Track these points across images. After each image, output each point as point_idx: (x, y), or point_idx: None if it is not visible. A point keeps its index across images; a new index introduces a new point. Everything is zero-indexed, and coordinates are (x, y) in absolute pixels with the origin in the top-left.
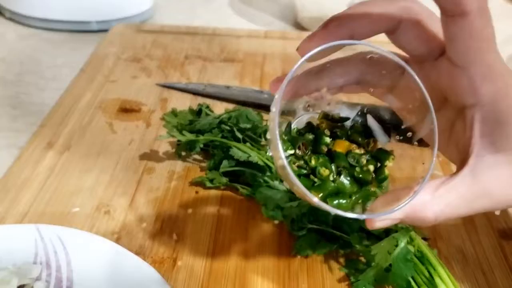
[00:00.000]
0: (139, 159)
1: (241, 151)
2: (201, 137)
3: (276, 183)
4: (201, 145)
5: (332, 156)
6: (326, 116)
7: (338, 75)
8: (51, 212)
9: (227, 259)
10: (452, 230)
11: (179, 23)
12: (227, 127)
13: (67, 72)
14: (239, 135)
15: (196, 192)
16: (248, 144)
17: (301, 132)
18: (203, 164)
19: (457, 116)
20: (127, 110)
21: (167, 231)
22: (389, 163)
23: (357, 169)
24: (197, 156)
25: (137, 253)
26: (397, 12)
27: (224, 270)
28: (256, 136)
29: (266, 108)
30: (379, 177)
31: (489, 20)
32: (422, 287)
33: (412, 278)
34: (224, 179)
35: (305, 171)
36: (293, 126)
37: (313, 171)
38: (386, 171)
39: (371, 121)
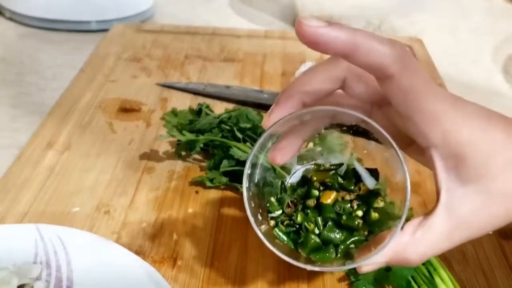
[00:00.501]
0: (139, 158)
1: (241, 151)
2: (201, 137)
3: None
4: (201, 145)
5: (320, 208)
6: (318, 168)
7: (316, 125)
8: (51, 212)
9: (227, 259)
10: None
11: (179, 23)
12: (227, 127)
13: (67, 72)
14: (239, 135)
15: (196, 192)
16: (248, 143)
17: (295, 188)
18: (203, 164)
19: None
20: (127, 109)
21: (167, 230)
22: (378, 205)
23: (344, 217)
24: (197, 156)
25: (137, 252)
26: (340, 72)
27: (224, 270)
28: (256, 136)
29: (266, 108)
30: (368, 221)
31: (417, 72)
32: (422, 287)
33: (412, 278)
34: (224, 179)
35: (293, 229)
36: (289, 181)
37: (301, 227)
38: (375, 214)
39: (358, 166)
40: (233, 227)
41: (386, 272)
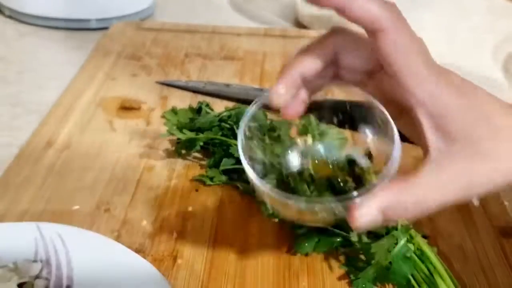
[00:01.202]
0: (139, 157)
1: None
2: (201, 135)
3: None
4: (201, 143)
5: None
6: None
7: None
8: (51, 210)
9: (227, 257)
10: (452, 228)
11: (179, 21)
12: (227, 125)
13: (67, 70)
14: None
15: (196, 190)
16: None
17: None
18: (203, 162)
19: (412, 118)
20: (127, 108)
21: (167, 229)
22: (370, 176)
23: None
24: (197, 154)
25: (137, 251)
26: (329, 47)
27: (224, 268)
28: None
29: (266, 106)
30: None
31: (406, 32)
32: (422, 285)
33: (412, 276)
34: (224, 177)
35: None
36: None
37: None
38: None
39: (352, 152)
40: (233, 225)
41: (386, 271)
